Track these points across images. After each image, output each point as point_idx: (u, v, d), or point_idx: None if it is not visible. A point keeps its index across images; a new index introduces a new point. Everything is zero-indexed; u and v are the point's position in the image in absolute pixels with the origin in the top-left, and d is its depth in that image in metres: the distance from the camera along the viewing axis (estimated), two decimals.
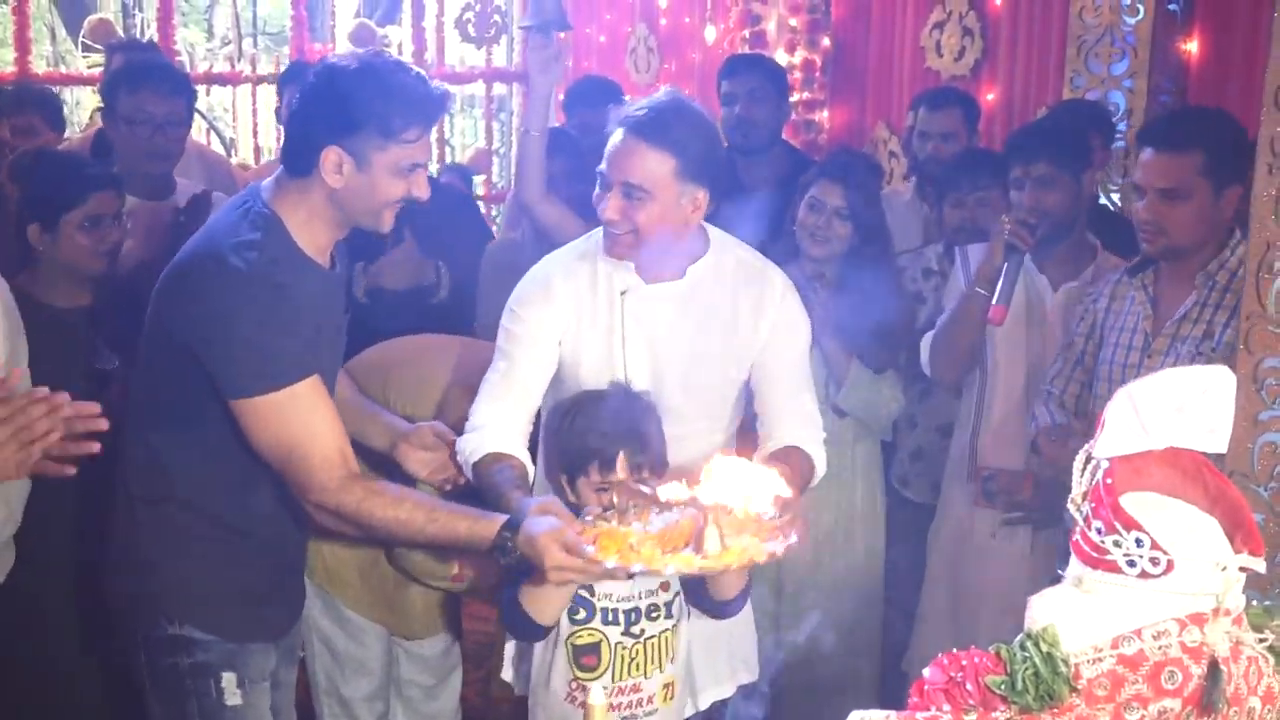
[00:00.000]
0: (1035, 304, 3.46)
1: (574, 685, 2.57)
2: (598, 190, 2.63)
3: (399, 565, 3.09)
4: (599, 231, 2.76)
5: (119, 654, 2.69)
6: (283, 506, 2.54)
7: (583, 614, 2.56)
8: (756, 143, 4.50)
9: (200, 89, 8.08)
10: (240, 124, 8.32)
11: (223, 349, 2.37)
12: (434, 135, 3.00)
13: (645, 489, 2.41)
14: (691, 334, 2.69)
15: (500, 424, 2.64)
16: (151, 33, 8.00)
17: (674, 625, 2.61)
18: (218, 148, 8.53)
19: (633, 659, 2.55)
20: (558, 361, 2.72)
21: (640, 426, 2.55)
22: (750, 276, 2.74)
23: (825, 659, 3.36)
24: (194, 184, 4.19)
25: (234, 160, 7.28)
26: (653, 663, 2.57)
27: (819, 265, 3.57)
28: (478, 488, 2.60)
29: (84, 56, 8.84)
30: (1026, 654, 1.49)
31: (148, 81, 3.92)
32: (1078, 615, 1.51)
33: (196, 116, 8.16)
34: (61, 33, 10.91)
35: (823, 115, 5.96)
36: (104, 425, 2.00)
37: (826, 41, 5.92)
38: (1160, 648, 1.49)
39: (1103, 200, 4.46)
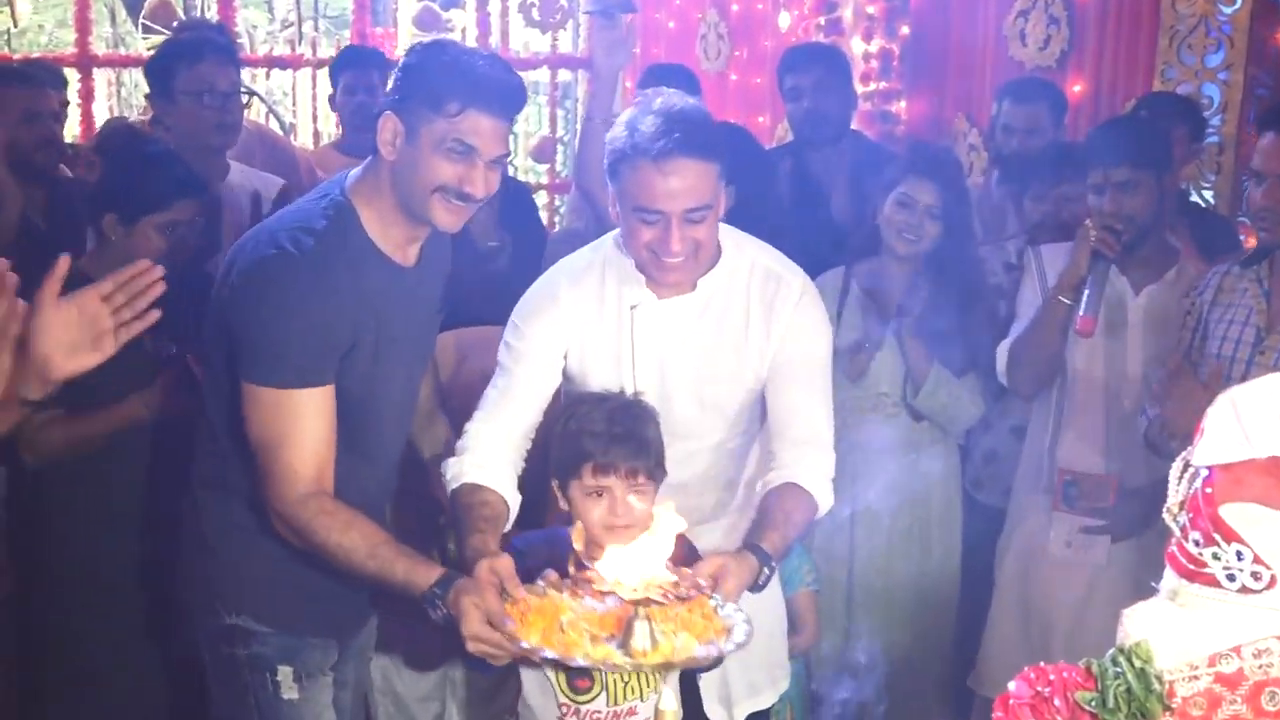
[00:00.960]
0: (1116, 307, 3.41)
1: (565, 709, 2.52)
2: (636, 225, 2.52)
3: (450, 561, 3.10)
4: (606, 241, 2.73)
5: (188, 641, 2.74)
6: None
7: None
8: (826, 136, 4.51)
9: (260, 72, 8.18)
10: (300, 108, 8.38)
11: (246, 327, 2.41)
12: None
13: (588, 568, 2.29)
14: (704, 349, 2.65)
15: (488, 448, 2.59)
16: (212, 14, 8.08)
17: None
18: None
19: (627, 681, 2.51)
20: (562, 377, 2.69)
21: (636, 429, 2.50)
22: (765, 280, 2.67)
23: (896, 670, 3.34)
24: (250, 169, 4.22)
25: None
26: (649, 685, 2.52)
27: (903, 263, 3.54)
28: (452, 516, 2.57)
29: (144, 38, 8.94)
30: (1119, 669, 1.46)
31: (208, 53, 3.94)
32: (1173, 630, 1.48)
33: (255, 101, 8.25)
34: (122, 14, 11.04)
35: (900, 106, 5.90)
36: (159, 284, 2.01)
37: (905, 29, 5.85)
38: (1261, 667, 1.46)
39: (1194, 198, 4.39)
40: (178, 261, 3.21)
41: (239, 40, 7.11)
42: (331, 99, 5.28)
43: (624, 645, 2.13)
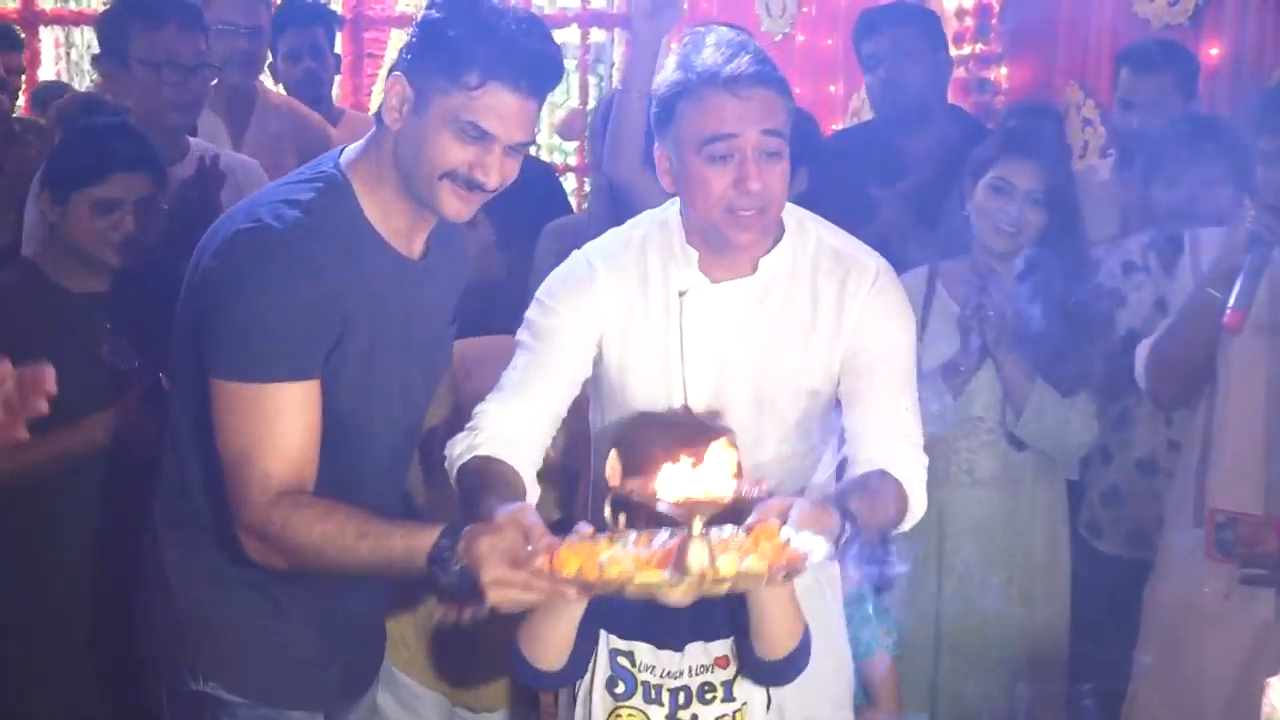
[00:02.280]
0: None
1: None
2: (704, 171, 2.53)
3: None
4: (644, 218, 2.75)
5: (147, 704, 2.72)
6: None
7: (622, 688, 2.53)
8: (912, 111, 4.48)
9: None
10: None
11: (218, 314, 2.40)
12: None
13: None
14: (765, 342, 2.65)
15: (502, 426, 2.59)
16: None
17: (737, 710, 2.55)
18: None
19: None
20: (597, 371, 2.70)
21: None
22: (834, 262, 2.68)
23: None
24: (213, 148, 4.18)
25: None
26: None
27: (999, 261, 3.53)
28: (460, 496, 2.56)
29: None
30: None
31: (172, 16, 3.88)
32: None
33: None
34: None
35: (1000, 73, 5.89)
36: (43, 409, 1.87)
37: None
38: None
39: None
40: (133, 253, 3.25)
41: None
42: (273, 68, 5.17)
43: (679, 568, 2.11)
